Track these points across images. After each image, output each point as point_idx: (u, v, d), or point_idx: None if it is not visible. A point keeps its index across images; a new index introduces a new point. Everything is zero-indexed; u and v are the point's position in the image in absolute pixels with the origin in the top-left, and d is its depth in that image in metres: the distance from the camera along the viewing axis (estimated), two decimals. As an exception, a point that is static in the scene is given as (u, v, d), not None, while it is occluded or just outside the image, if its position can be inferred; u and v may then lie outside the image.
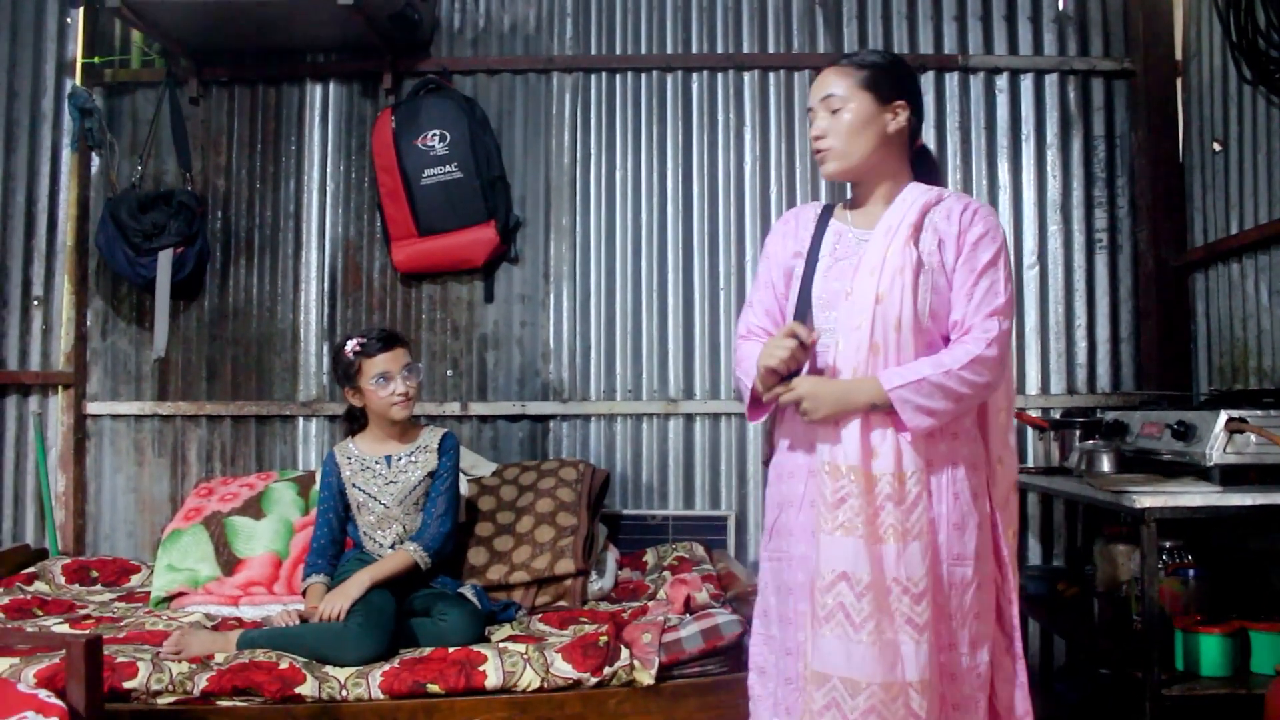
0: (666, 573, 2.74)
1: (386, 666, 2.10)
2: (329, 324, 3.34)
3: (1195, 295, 3.13)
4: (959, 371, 1.61)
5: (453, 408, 3.29)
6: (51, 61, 3.30)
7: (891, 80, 1.72)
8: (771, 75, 3.34)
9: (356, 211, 3.36)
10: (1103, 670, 2.76)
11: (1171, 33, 3.26)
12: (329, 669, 2.09)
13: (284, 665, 2.07)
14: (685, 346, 3.30)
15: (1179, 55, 3.25)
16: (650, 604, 2.50)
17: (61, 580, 2.87)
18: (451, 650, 2.16)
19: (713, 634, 2.18)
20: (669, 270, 3.31)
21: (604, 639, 2.14)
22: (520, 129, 3.35)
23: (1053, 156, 3.32)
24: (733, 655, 2.20)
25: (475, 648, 2.18)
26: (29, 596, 2.67)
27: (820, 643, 1.60)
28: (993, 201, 3.31)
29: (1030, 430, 2.98)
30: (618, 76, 3.36)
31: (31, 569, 2.88)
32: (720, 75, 3.35)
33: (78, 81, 3.30)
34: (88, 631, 2.20)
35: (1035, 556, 3.20)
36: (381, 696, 2.04)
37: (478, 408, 3.29)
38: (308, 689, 2.02)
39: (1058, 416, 3.06)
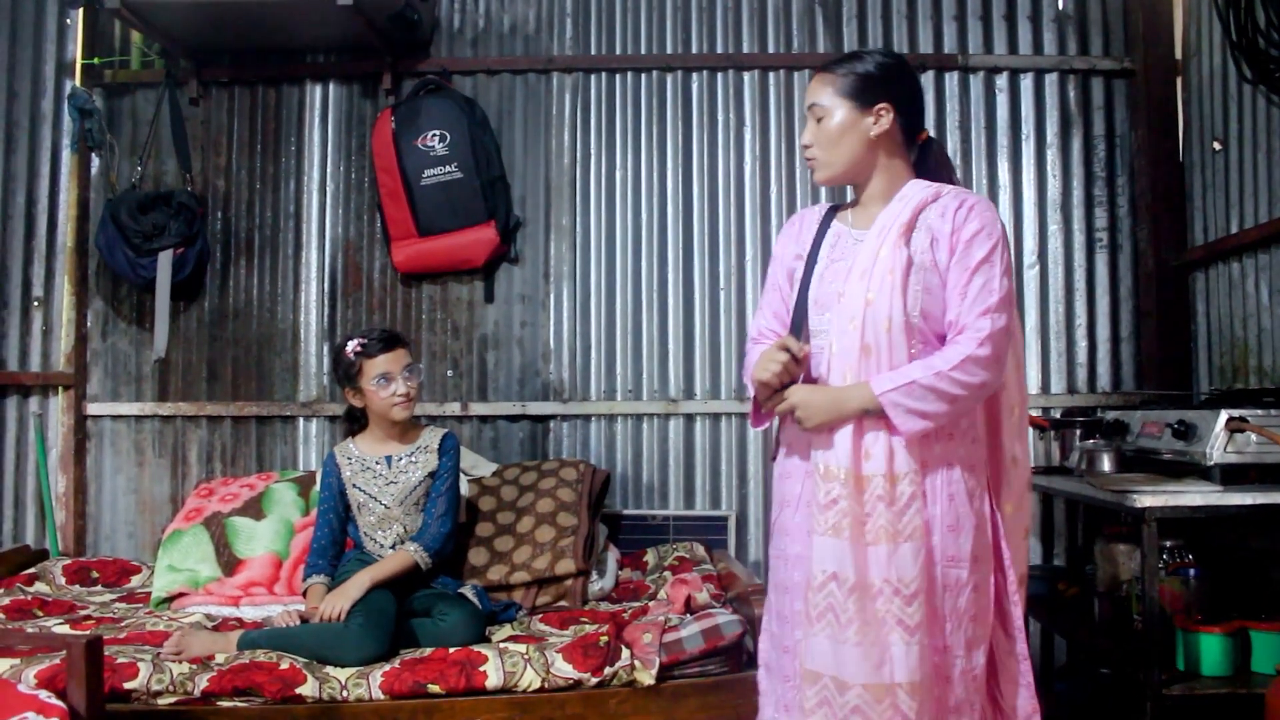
0: (667, 573, 2.74)
1: (387, 667, 2.10)
2: (329, 324, 3.34)
3: (1195, 294, 3.13)
4: (950, 373, 1.60)
5: (453, 408, 3.29)
6: (51, 62, 3.30)
7: (871, 85, 1.71)
8: (771, 75, 3.34)
9: (356, 212, 3.36)
10: (1103, 670, 2.76)
11: (1171, 32, 3.26)
12: (329, 669, 2.09)
13: (284, 666, 2.07)
14: (685, 346, 3.30)
15: (1179, 54, 3.25)
16: (651, 604, 2.50)
17: (62, 581, 2.87)
18: (452, 650, 2.16)
19: (713, 634, 2.18)
20: (669, 270, 3.31)
21: (604, 639, 2.14)
22: (520, 129, 3.35)
23: (1053, 156, 3.32)
24: (733, 655, 2.20)
25: (476, 648, 2.18)
26: (29, 597, 2.67)
27: (812, 642, 1.63)
28: (993, 201, 3.29)
29: (1031, 430, 2.98)
30: (617, 76, 3.36)
31: (32, 570, 2.88)
32: (720, 75, 3.35)
33: (77, 82, 3.30)
34: (88, 632, 2.20)
35: (1035, 556, 3.20)
36: (382, 697, 2.04)
37: (478, 408, 3.29)
38: (308, 689, 2.02)
39: (1058, 416, 3.06)
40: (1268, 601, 2.34)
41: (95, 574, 2.96)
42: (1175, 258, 3.17)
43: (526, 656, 2.11)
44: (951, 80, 3.33)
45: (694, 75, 3.35)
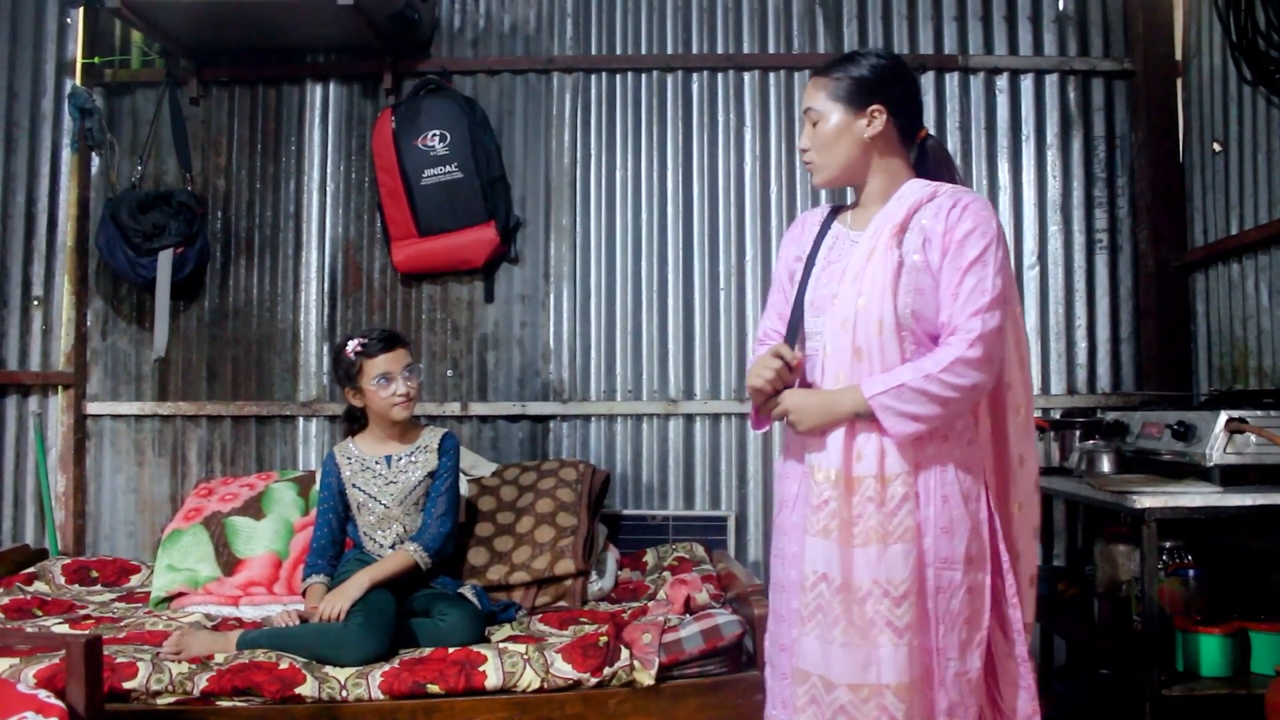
0: (666, 573, 2.74)
1: (386, 667, 2.10)
2: (329, 324, 3.34)
3: (1195, 295, 3.13)
4: (939, 375, 1.59)
5: (453, 408, 3.29)
6: (51, 61, 3.30)
7: (864, 87, 1.71)
8: (772, 75, 3.34)
9: (356, 212, 3.36)
10: (1103, 670, 2.76)
11: (1171, 33, 3.26)
12: (329, 669, 2.09)
13: (284, 666, 2.07)
14: (685, 347, 3.30)
15: (1179, 55, 3.25)
16: (650, 604, 2.50)
17: (61, 580, 2.87)
18: (451, 650, 2.16)
19: (713, 634, 2.18)
20: (669, 270, 3.31)
21: (604, 639, 2.14)
22: (520, 129, 3.35)
23: (1053, 157, 3.32)
24: (733, 656, 2.21)
25: (475, 648, 2.18)
26: (29, 596, 2.67)
27: (803, 641, 1.65)
28: (993, 201, 3.30)
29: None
30: (618, 77, 3.36)
31: (31, 569, 2.88)
32: (720, 75, 3.35)
33: (78, 81, 3.30)
34: (87, 632, 2.20)
35: (1036, 557, 3.19)
36: (381, 697, 2.04)
37: (478, 408, 3.29)
38: (308, 689, 2.02)
39: (1058, 416, 3.06)
40: (1267, 602, 2.34)
41: (95, 573, 2.96)
42: (1175, 258, 3.17)
43: (526, 656, 2.11)
44: (952, 81, 3.33)
45: (694, 75, 3.35)
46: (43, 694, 1.67)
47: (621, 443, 3.29)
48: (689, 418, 3.28)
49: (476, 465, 3.04)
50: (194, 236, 3.19)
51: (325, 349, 3.32)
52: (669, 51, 3.36)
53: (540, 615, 2.52)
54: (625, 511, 3.22)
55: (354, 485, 2.49)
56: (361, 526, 2.50)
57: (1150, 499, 2.11)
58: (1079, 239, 3.31)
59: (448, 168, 3.15)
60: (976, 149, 3.33)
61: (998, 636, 1.68)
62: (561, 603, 2.61)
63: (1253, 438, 2.18)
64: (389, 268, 3.32)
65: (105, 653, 1.91)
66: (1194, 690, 2.13)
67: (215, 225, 3.35)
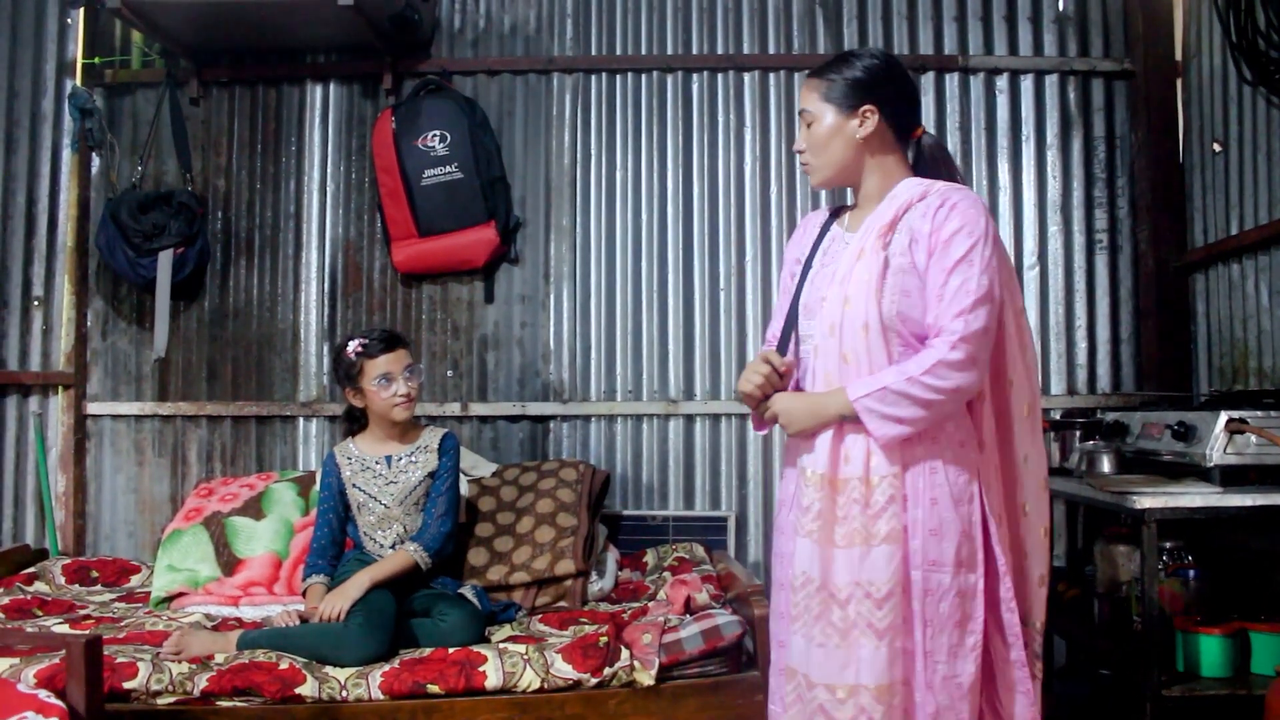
0: (667, 573, 2.74)
1: (386, 667, 2.10)
2: (329, 324, 3.34)
3: (1195, 296, 3.13)
4: (921, 378, 1.58)
5: (453, 408, 3.29)
6: (52, 62, 3.30)
7: (855, 88, 1.71)
8: (772, 76, 3.34)
9: (357, 212, 3.36)
10: (1103, 671, 2.76)
11: (1171, 33, 3.27)
12: (329, 669, 2.09)
13: (284, 666, 2.07)
14: (685, 347, 3.30)
15: (1179, 56, 3.25)
16: (650, 605, 2.50)
17: (61, 580, 2.87)
18: (451, 651, 2.16)
19: (713, 635, 2.18)
20: (669, 271, 3.31)
21: (604, 639, 2.14)
22: (520, 129, 3.36)
23: (1053, 157, 3.32)
24: (733, 656, 2.21)
25: (475, 648, 2.18)
26: (29, 596, 2.67)
27: (792, 639, 1.67)
28: (993, 202, 3.31)
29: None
30: (618, 77, 3.36)
31: (32, 569, 2.88)
32: (720, 76, 3.35)
33: (78, 82, 3.30)
34: (88, 632, 2.20)
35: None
36: (381, 697, 2.04)
37: (478, 408, 3.29)
38: (308, 689, 2.02)
39: (1058, 417, 3.06)
40: (1267, 603, 2.34)
41: (95, 573, 2.96)
42: (1175, 259, 3.17)
43: (526, 657, 2.11)
44: (952, 81, 3.33)
45: (694, 76, 3.35)
46: (43, 694, 1.67)
47: (621, 443, 3.29)
48: (689, 418, 3.28)
49: (477, 465, 3.04)
50: (194, 237, 3.19)
51: (325, 349, 3.32)
52: (669, 52, 3.36)
53: (540, 615, 2.52)
54: (625, 512, 3.22)
55: (354, 485, 2.49)
56: (362, 527, 2.50)
57: (1150, 499, 2.11)
58: (1079, 239, 3.31)
59: (448, 168, 3.15)
60: (976, 149, 3.33)
61: (996, 641, 1.67)
62: (562, 603, 2.61)
63: (1253, 438, 2.18)
64: (389, 268, 3.32)
65: (105, 653, 1.91)
66: (1194, 691, 2.13)
67: (215, 225, 3.35)
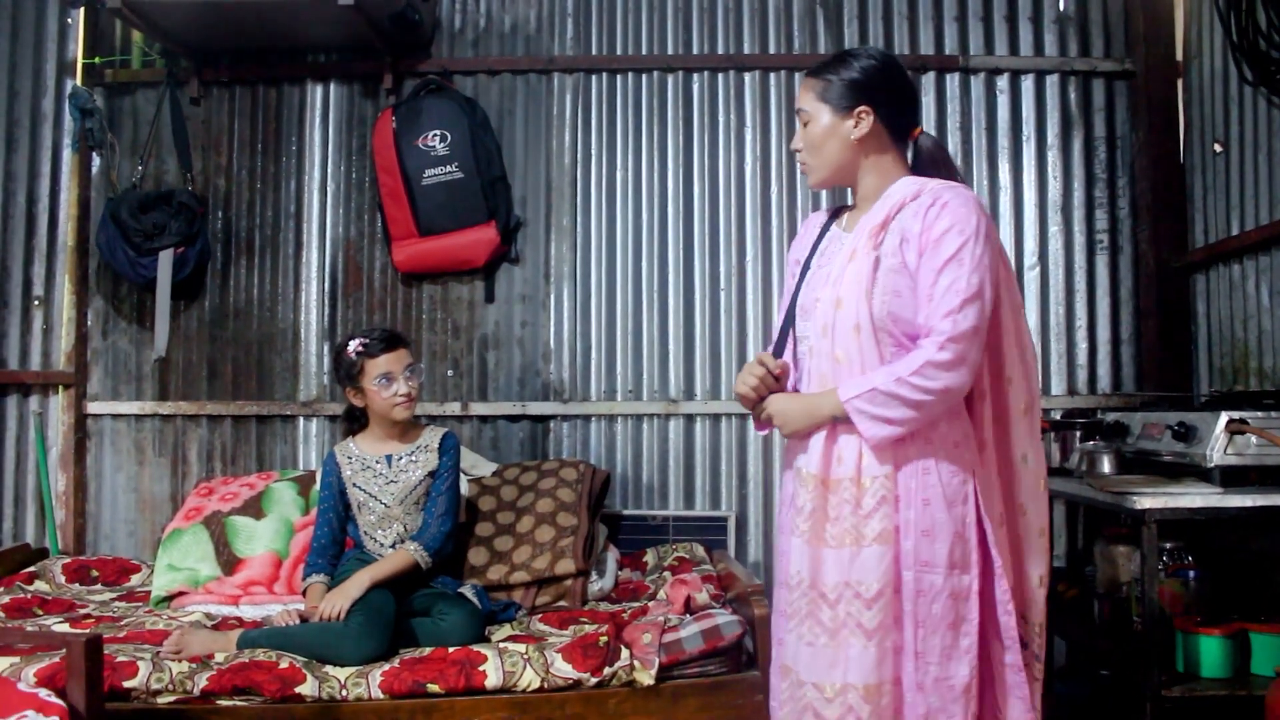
0: (667, 573, 2.74)
1: (386, 666, 2.10)
2: (329, 324, 3.34)
3: (1196, 296, 3.13)
4: (909, 378, 1.57)
5: (453, 408, 3.29)
6: (52, 61, 3.30)
7: (851, 89, 1.70)
8: (772, 76, 3.34)
9: (357, 211, 3.36)
10: (1103, 671, 2.75)
11: (1172, 33, 3.26)
12: (329, 669, 2.10)
13: (284, 665, 2.07)
14: (686, 347, 3.30)
15: (1180, 56, 3.25)
16: (650, 604, 2.50)
17: (62, 579, 2.87)
18: (451, 650, 2.16)
19: (713, 634, 2.18)
20: (670, 270, 3.31)
21: (604, 639, 2.14)
22: (521, 129, 3.36)
23: (1053, 157, 3.32)
24: (733, 656, 2.21)
25: (475, 647, 2.18)
26: (29, 596, 2.67)
27: (787, 638, 1.69)
28: (993, 202, 3.31)
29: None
30: (618, 77, 3.36)
31: (32, 568, 2.88)
32: (721, 76, 3.35)
33: (78, 81, 3.30)
34: (88, 631, 2.20)
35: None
36: (381, 696, 2.04)
37: (478, 408, 3.29)
38: (308, 689, 2.02)
39: (1058, 417, 3.06)
40: (1268, 603, 2.34)
41: (95, 573, 2.96)
42: (1176, 259, 3.17)
43: (526, 656, 2.11)
44: (952, 81, 3.33)
45: (695, 76, 3.35)
46: (43, 693, 1.68)
47: (622, 443, 3.29)
48: (689, 418, 3.28)
49: (477, 465, 3.04)
50: (194, 236, 3.20)
51: (326, 349, 3.32)
52: (669, 52, 3.36)
53: (540, 615, 2.52)
54: (625, 511, 3.22)
55: (354, 485, 2.50)
56: (362, 526, 2.50)
57: (1151, 500, 2.11)
58: (1079, 239, 3.31)
59: (448, 168, 3.15)
60: (977, 149, 3.33)
61: (995, 644, 1.66)
62: (562, 602, 2.61)
63: (1253, 439, 2.18)
64: (389, 267, 3.32)
65: (106, 652, 1.91)
66: (1194, 691, 2.13)
67: (216, 225, 3.35)
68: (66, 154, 3.31)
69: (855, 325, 1.64)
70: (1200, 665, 2.19)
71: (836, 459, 1.65)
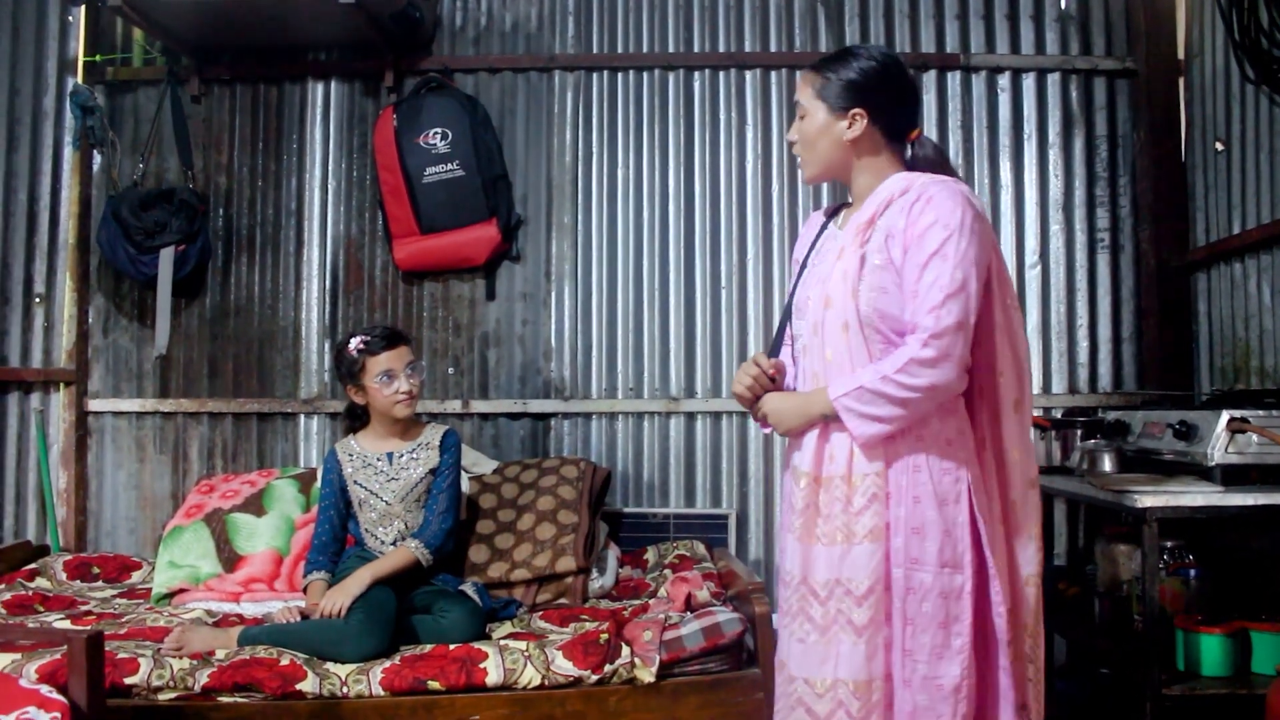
0: (667, 571, 2.74)
1: (387, 663, 2.10)
2: (330, 322, 3.34)
3: (1197, 295, 3.13)
4: (894, 376, 1.57)
5: (454, 405, 3.29)
6: (53, 59, 3.30)
7: (848, 89, 1.69)
8: (774, 74, 3.34)
9: (358, 209, 3.36)
10: (1103, 670, 2.75)
11: (1174, 32, 3.26)
12: (330, 666, 2.10)
13: (285, 662, 2.07)
14: (687, 345, 3.30)
15: (1181, 55, 3.25)
16: (651, 602, 2.50)
17: (63, 576, 2.88)
18: (452, 647, 2.17)
19: (714, 632, 2.18)
20: (671, 268, 3.31)
21: (605, 637, 2.14)
22: (522, 127, 3.35)
23: (1055, 156, 3.32)
24: (734, 653, 2.21)
25: (476, 645, 2.18)
26: (30, 592, 2.68)
27: (782, 633, 1.70)
28: (995, 201, 3.30)
29: (1033, 429, 2.97)
30: (619, 75, 3.36)
31: (33, 565, 2.89)
32: (722, 74, 3.35)
33: (79, 79, 3.30)
34: (89, 628, 2.20)
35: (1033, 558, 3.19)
36: (382, 693, 2.04)
37: (479, 405, 3.30)
38: (309, 685, 2.03)
39: (1059, 416, 3.06)
40: (1268, 602, 2.34)
41: (96, 570, 2.96)
42: (1177, 258, 3.17)
43: (527, 654, 2.11)
44: (954, 80, 3.33)
45: (696, 74, 3.35)
46: (45, 689, 1.68)
47: (622, 440, 3.29)
48: (690, 416, 3.28)
49: (478, 463, 3.04)
50: (195, 234, 3.20)
51: (326, 346, 3.32)
52: (670, 50, 3.36)
53: (541, 612, 2.52)
54: (626, 509, 3.22)
55: (355, 482, 2.50)
56: (363, 523, 2.50)
57: (1151, 498, 2.11)
58: (1081, 238, 3.31)
59: (449, 166, 3.15)
60: (978, 148, 3.32)
61: (990, 645, 1.64)
62: (562, 600, 2.61)
63: (1254, 437, 2.18)
64: (390, 265, 3.32)
65: (107, 648, 1.91)
66: (1194, 690, 2.13)
67: (217, 223, 3.35)
68: (68, 152, 3.31)
69: (843, 324, 1.64)
70: (1201, 664, 2.19)
71: (829, 457, 1.66)
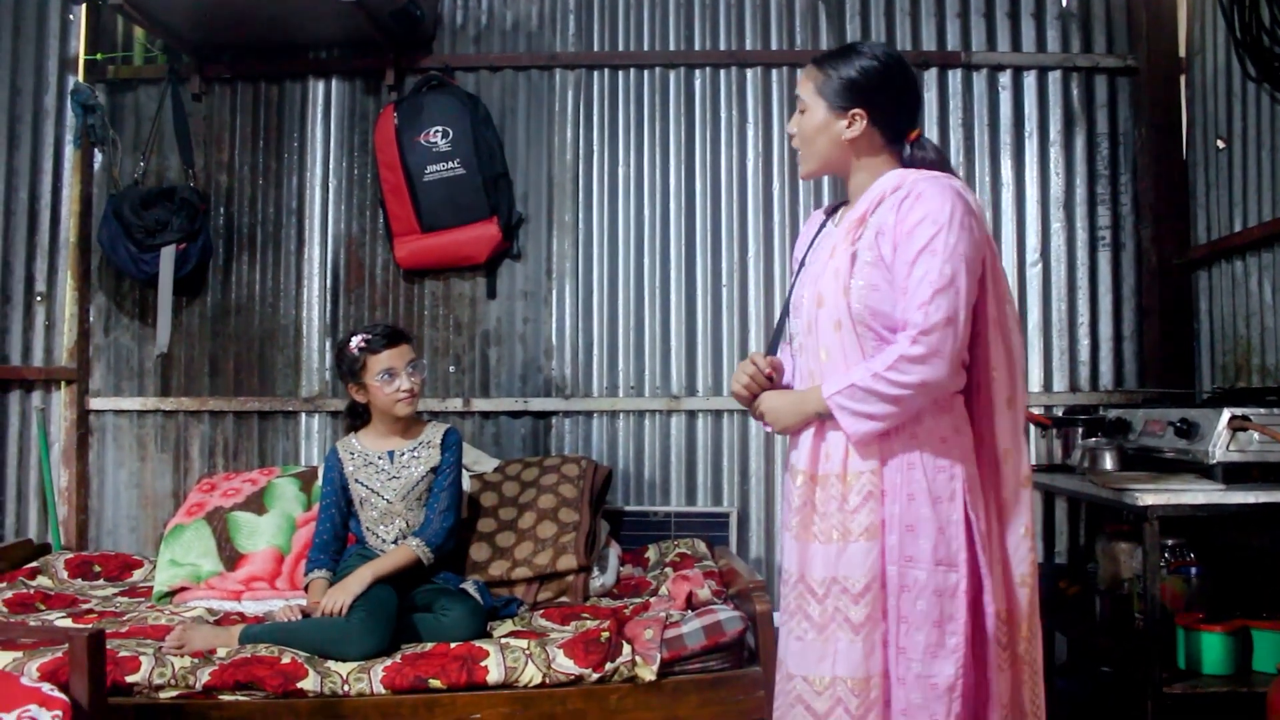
0: (668, 569, 2.74)
1: (388, 661, 2.10)
2: (331, 320, 3.34)
3: (1198, 293, 3.12)
4: (884, 373, 1.56)
5: (455, 404, 3.29)
6: (54, 58, 3.30)
7: (849, 89, 1.68)
8: (774, 72, 3.34)
9: (359, 208, 3.36)
10: (1104, 668, 2.75)
11: (1175, 29, 3.26)
12: (331, 664, 2.10)
13: (286, 660, 2.07)
14: (688, 343, 3.30)
15: (1183, 52, 3.24)
16: (652, 600, 2.51)
17: (64, 575, 2.88)
18: (453, 645, 2.17)
19: (715, 630, 2.18)
20: (671, 267, 3.31)
21: (606, 635, 2.15)
22: (523, 125, 3.35)
23: (1056, 154, 3.32)
24: (735, 652, 2.21)
25: (477, 643, 2.18)
26: (32, 591, 2.68)
27: (782, 631, 1.71)
28: (996, 199, 3.30)
29: (1033, 427, 2.98)
30: (620, 73, 3.36)
31: (34, 564, 2.89)
32: (723, 72, 3.34)
33: (80, 78, 3.30)
34: (90, 626, 2.21)
35: (1037, 554, 3.19)
36: (383, 691, 2.05)
37: (480, 404, 3.30)
38: (310, 684, 2.03)
39: (1060, 414, 3.06)
40: (1269, 600, 2.34)
41: (97, 568, 2.96)
42: (1178, 256, 3.16)
43: (528, 652, 2.11)
44: (955, 78, 3.33)
45: (697, 72, 3.35)
46: (46, 687, 1.68)
47: (624, 439, 3.29)
48: (691, 414, 3.28)
49: (479, 461, 3.04)
50: (196, 232, 3.20)
51: (327, 345, 3.32)
52: (671, 48, 3.35)
53: (542, 611, 2.52)
54: (627, 507, 3.22)
55: (357, 480, 2.50)
56: (364, 522, 2.50)
57: (1153, 496, 2.10)
58: (1082, 236, 3.30)
59: (450, 164, 3.15)
60: (979, 146, 3.32)
61: (983, 645, 1.62)
62: (563, 598, 2.61)
63: (1255, 435, 2.17)
64: (391, 264, 3.32)
65: (108, 647, 1.91)
66: (1195, 688, 2.13)
67: (218, 221, 3.35)
68: (69, 150, 3.31)
69: (836, 322, 1.64)
70: (1202, 662, 2.18)
71: (825, 455, 1.66)
